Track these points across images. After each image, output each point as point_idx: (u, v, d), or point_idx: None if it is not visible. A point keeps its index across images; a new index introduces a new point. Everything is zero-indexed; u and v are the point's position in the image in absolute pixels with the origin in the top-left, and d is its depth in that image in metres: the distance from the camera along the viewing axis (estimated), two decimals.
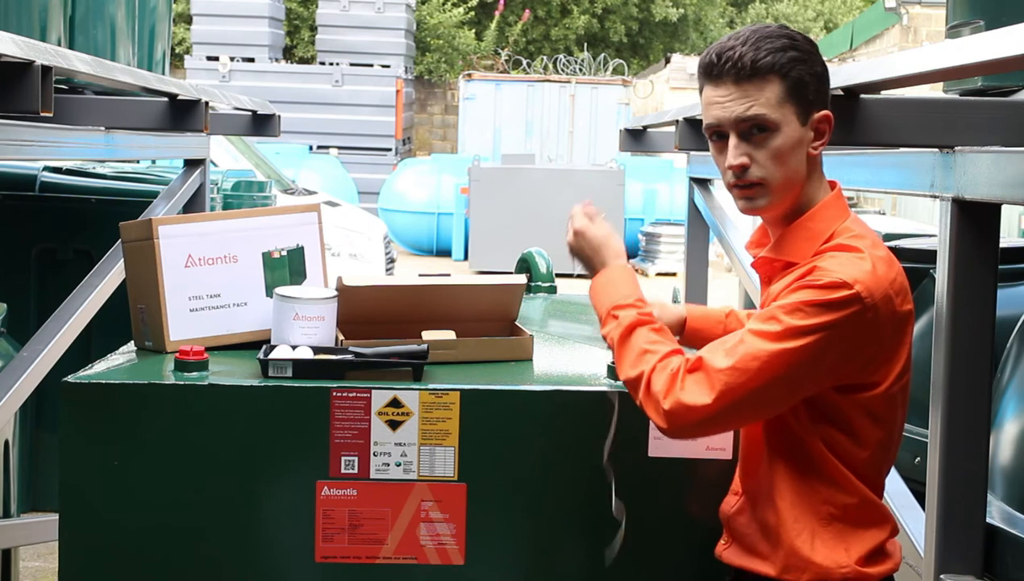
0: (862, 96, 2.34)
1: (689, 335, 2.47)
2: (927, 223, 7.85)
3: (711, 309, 2.54)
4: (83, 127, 3.93)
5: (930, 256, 2.94)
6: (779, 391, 2.05)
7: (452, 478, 2.41)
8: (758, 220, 2.28)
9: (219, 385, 2.40)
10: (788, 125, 2.09)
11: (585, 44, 25.47)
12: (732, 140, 2.10)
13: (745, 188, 2.12)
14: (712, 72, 2.11)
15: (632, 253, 15.55)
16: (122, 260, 3.00)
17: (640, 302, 2.21)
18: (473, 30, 24.99)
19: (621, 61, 21.36)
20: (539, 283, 3.68)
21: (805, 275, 2.07)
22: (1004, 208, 2.39)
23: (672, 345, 2.14)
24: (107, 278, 3.97)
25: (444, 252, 16.70)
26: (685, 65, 23.58)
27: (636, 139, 5.17)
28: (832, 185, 2.20)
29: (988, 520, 2.42)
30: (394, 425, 2.40)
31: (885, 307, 2.03)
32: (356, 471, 2.40)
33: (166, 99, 4.02)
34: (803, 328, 2.01)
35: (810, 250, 2.12)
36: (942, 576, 2.38)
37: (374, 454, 2.40)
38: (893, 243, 3.77)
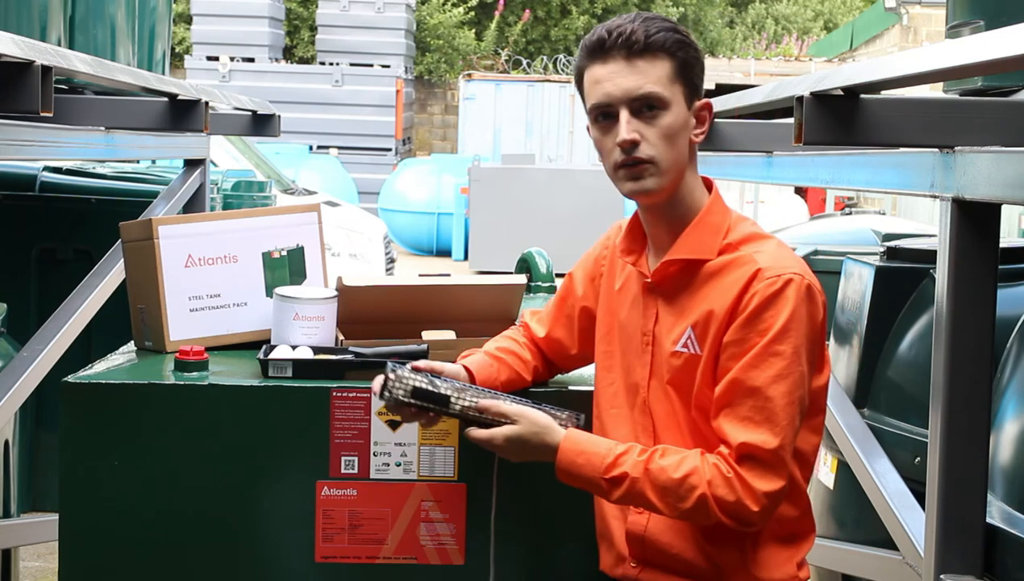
0: (862, 96, 2.34)
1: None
2: (927, 223, 7.85)
3: (476, 358, 2.39)
4: (83, 127, 3.93)
5: (930, 256, 2.94)
6: (805, 401, 2.09)
7: (452, 478, 2.41)
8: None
9: (219, 385, 2.40)
10: (677, 105, 2.10)
11: None
12: (624, 115, 2.09)
13: (633, 166, 2.10)
14: (602, 47, 2.11)
15: None
16: (122, 260, 3.00)
17: (613, 447, 2.12)
18: (473, 30, 24.97)
19: None
20: (539, 283, 3.69)
21: (751, 280, 2.07)
22: (1004, 208, 2.39)
23: (684, 453, 2.09)
24: (107, 278, 3.97)
25: (444, 252, 16.69)
26: None
27: None
28: (708, 181, 2.22)
29: (988, 520, 2.42)
30: (394, 425, 2.40)
31: (818, 284, 2.12)
32: (356, 471, 2.40)
33: (166, 99, 4.02)
34: (795, 344, 2.05)
35: (715, 245, 2.14)
36: (942, 576, 2.38)
37: (374, 454, 2.40)
38: (893, 243, 3.77)
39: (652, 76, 2.09)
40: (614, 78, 2.09)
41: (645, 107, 2.09)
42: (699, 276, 2.14)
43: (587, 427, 2.29)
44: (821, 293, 2.11)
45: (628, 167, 2.10)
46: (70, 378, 2.42)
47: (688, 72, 2.12)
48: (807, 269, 2.11)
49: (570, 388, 2.46)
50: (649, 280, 2.20)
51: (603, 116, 2.12)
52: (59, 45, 4.10)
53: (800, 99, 2.33)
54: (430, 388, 2.17)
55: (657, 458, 2.08)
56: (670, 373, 2.16)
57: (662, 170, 2.10)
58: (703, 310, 2.12)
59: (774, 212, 13.67)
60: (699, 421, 2.14)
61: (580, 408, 2.40)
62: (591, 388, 2.43)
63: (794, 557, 2.18)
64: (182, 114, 4.04)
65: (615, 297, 2.28)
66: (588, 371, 2.56)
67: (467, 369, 2.32)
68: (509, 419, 2.16)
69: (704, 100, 2.16)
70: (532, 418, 2.16)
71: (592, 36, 2.13)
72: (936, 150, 2.40)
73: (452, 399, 2.18)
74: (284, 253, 2.81)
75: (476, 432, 2.18)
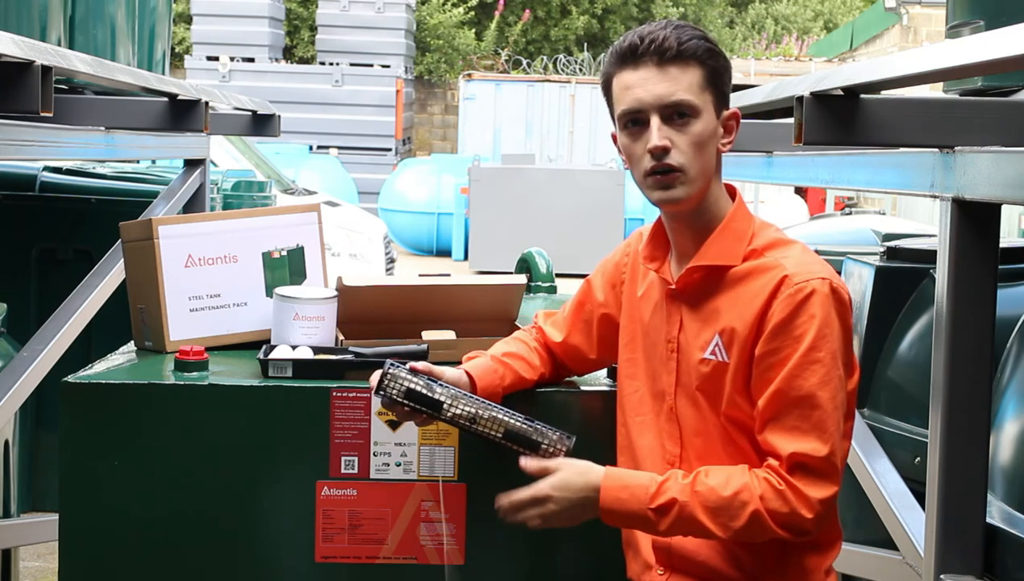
0: (862, 96, 2.34)
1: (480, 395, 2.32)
2: (927, 223, 7.85)
3: (479, 362, 2.39)
4: (83, 127, 3.93)
5: (930, 256, 2.94)
6: (845, 405, 2.09)
7: (452, 478, 2.41)
8: None
9: (219, 385, 2.40)
10: (707, 113, 2.10)
11: (585, 44, 25.45)
12: (655, 122, 2.07)
13: (663, 174, 2.08)
14: (634, 53, 2.09)
15: None
16: (122, 260, 3.00)
17: (654, 477, 2.10)
18: (473, 30, 24.96)
19: None
20: (539, 283, 3.69)
21: (779, 287, 2.05)
22: (1004, 208, 2.39)
23: (730, 471, 2.07)
24: (107, 278, 3.97)
25: (444, 252, 16.69)
26: None
27: None
28: (731, 188, 2.21)
29: (988, 520, 2.42)
30: (394, 425, 2.40)
31: (845, 286, 2.11)
32: (356, 471, 2.40)
33: (166, 99, 4.02)
34: (831, 349, 2.04)
35: (739, 251, 2.13)
36: (942, 576, 2.38)
37: (374, 454, 2.40)
38: (893, 243, 3.77)
39: (684, 83, 2.07)
40: (645, 84, 2.08)
41: (676, 114, 2.08)
42: (724, 282, 2.13)
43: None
44: (849, 295, 2.10)
45: (657, 175, 2.09)
46: (70, 378, 2.42)
47: (718, 80, 2.11)
48: (834, 273, 2.10)
49: (583, 389, 2.45)
50: (673, 287, 2.19)
51: (632, 122, 2.10)
52: (59, 45, 4.10)
53: (800, 99, 2.33)
54: (425, 392, 2.18)
55: (703, 479, 2.06)
56: (698, 380, 2.15)
57: (690, 178, 2.09)
58: (730, 317, 2.10)
59: (774, 212, 13.66)
60: (730, 430, 2.13)
61: (580, 409, 2.40)
62: (591, 388, 2.43)
63: (822, 564, 2.17)
64: (182, 114, 4.04)
65: (637, 303, 2.27)
66: (601, 371, 2.56)
67: (468, 374, 2.31)
68: (549, 471, 2.14)
69: (732, 110, 2.16)
70: (569, 462, 2.15)
71: (623, 42, 2.12)
72: (936, 150, 2.40)
73: (445, 406, 2.18)
74: (284, 253, 2.81)
75: (522, 494, 2.15)
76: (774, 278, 2.07)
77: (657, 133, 2.07)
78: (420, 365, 2.25)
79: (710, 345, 2.12)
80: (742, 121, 2.22)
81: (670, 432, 2.19)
